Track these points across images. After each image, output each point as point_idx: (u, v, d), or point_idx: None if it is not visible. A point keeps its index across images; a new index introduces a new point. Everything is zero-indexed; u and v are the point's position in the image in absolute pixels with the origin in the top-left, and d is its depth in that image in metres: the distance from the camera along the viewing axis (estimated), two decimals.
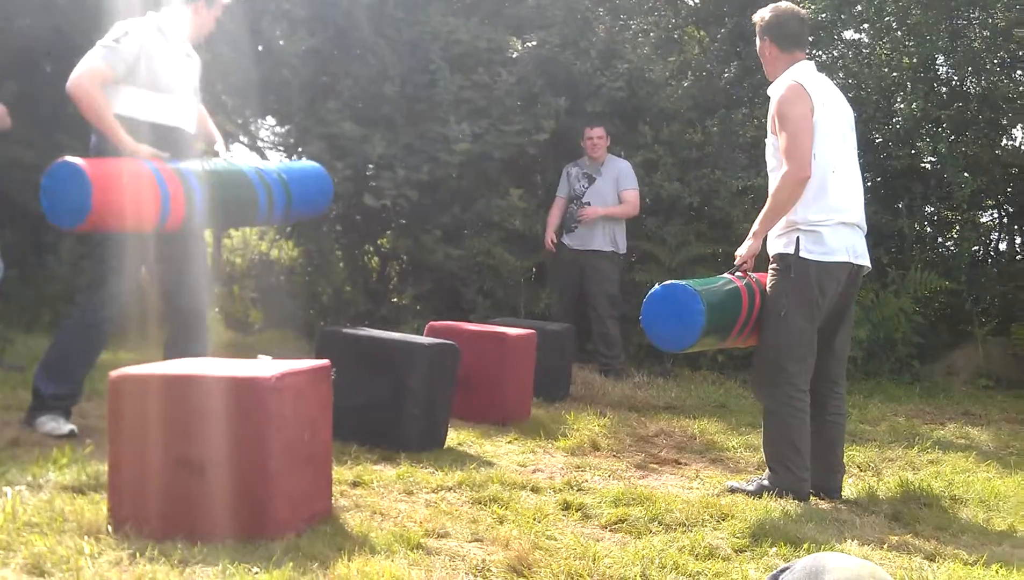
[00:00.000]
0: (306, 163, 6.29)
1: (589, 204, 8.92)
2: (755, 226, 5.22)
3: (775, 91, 5.17)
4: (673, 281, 5.13)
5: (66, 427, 5.20)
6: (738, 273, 5.25)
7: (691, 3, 11.50)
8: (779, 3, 5.35)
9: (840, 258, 5.08)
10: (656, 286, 5.14)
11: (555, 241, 9.07)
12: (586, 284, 8.95)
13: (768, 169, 5.26)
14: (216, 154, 5.79)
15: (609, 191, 8.95)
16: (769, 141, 5.22)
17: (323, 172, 6.09)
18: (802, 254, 5.02)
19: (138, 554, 3.42)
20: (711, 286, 5.15)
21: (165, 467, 3.66)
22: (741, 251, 5.27)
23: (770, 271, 5.18)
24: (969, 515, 5.02)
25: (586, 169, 9.04)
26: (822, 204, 5.03)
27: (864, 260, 5.23)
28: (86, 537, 3.55)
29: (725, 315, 5.10)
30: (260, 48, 9.18)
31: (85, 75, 5.07)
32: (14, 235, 7.24)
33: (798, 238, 5.03)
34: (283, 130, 10.37)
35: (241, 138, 10.35)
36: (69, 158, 4.81)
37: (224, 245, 11.67)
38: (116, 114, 5.16)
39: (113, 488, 3.73)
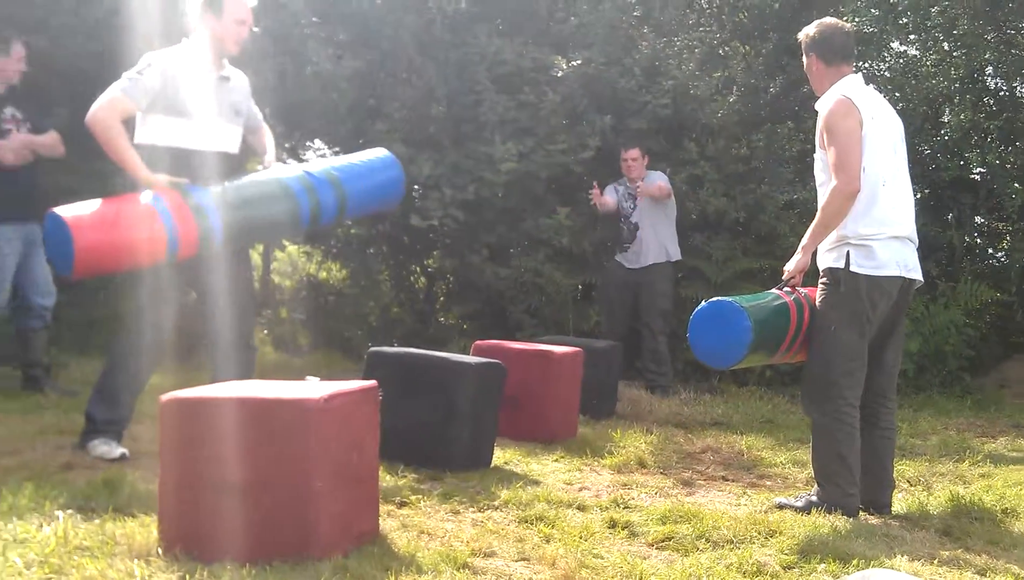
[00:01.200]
0: (371, 153, 6.08)
1: (638, 224, 8.93)
2: (804, 240, 5.19)
3: (823, 106, 5.15)
4: (720, 298, 5.11)
5: (118, 451, 5.26)
6: (786, 288, 5.23)
7: (736, 19, 11.47)
8: (823, 19, 5.34)
9: (891, 272, 5.03)
10: (703, 303, 5.14)
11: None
12: (641, 301, 8.94)
13: (817, 184, 5.23)
14: (265, 167, 5.79)
15: (654, 206, 8.94)
16: (817, 156, 5.20)
17: (390, 160, 5.98)
18: (853, 268, 4.99)
19: (187, 576, 3.45)
20: (758, 302, 5.13)
21: (214, 489, 3.68)
22: (789, 266, 5.25)
23: (820, 285, 5.16)
24: (1021, 529, 4.95)
25: (629, 189, 9.04)
26: (872, 217, 4.99)
27: (916, 274, 5.18)
28: (137, 560, 3.59)
29: (773, 331, 5.08)
30: (308, 72, 9.27)
31: (103, 108, 5.09)
32: None
33: (848, 252, 5.00)
34: (331, 153, 10.46)
35: (290, 162, 10.43)
36: (57, 209, 4.84)
37: (273, 268, 11.76)
38: (137, 144, 5.19)
39: (163, 511, 3.77)
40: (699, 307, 5.13)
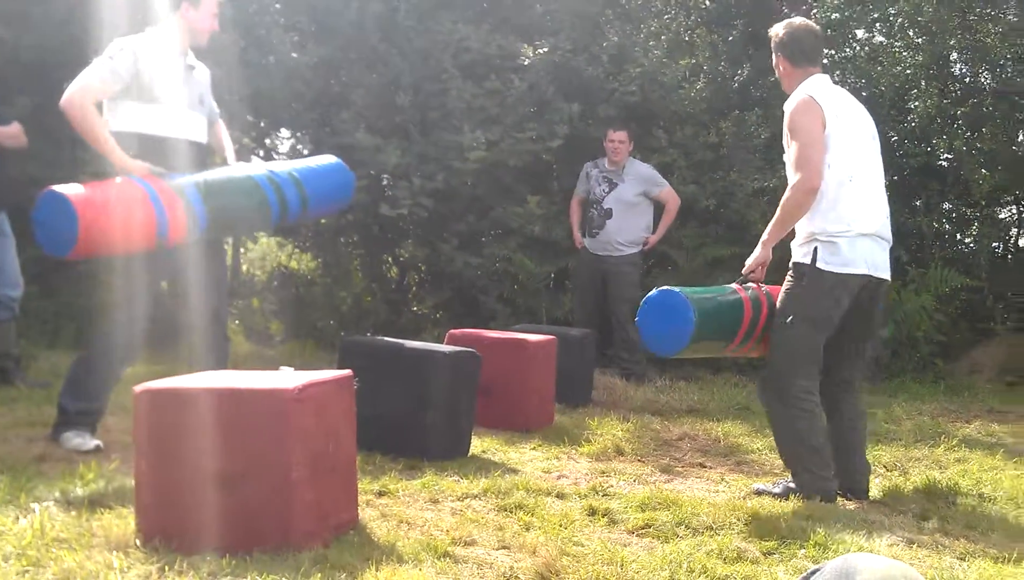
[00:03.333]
0: (323, 159, 6.22)
1: (610, 210, 8.86)
2: (764, 235, 5.20)
3: (788, 106, 5.16)
4: (670, 287, 5.11)
5: (92, 442, 5.21)
6: (748, 283, 5.23)
7: (702, 5, 11.48)
8: (792, 19, 5.35)
9: (858, 270, 5.02)
10: (653, 291, 5.14)
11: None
12: (608, 289, 8.89)
13: (788, 179, 5.23)
14: (225, 163, 5.78)
15: (631, 196, 8.87)
16: (786, 155, 5.20)
17: (341, 165, 6.07)
18: (819, 265, 4.98)
19: (166, 568, 3.42)
20: (710, 295, 5.16)
21: (191, 480, 3.66)
22: (749, 261, 5.25)
23: (787, 278, 5.16)
24: (998, 512, 4.99)
25: (606, 173, 8.94)
26: (838, 214, 4.98)
27: (884, 273, 5.16)
28: (115, 552, 3.55)
29: (721, 325, 5.10)
30: (272, 60, 9.21)
31: (78, 93, 5.05)
32: (35, 250, 7.27)
33: (816, 248, 5.00)
34: (297, 141, 10.41)
35: (256, 151, 10.38)
36: (56, 188, 4.78)
37: (244, 258, 11.70)
38: (112, 130, 5.14)
39: (140, 502, 3.74)
40: (649, 295, 5.14)
